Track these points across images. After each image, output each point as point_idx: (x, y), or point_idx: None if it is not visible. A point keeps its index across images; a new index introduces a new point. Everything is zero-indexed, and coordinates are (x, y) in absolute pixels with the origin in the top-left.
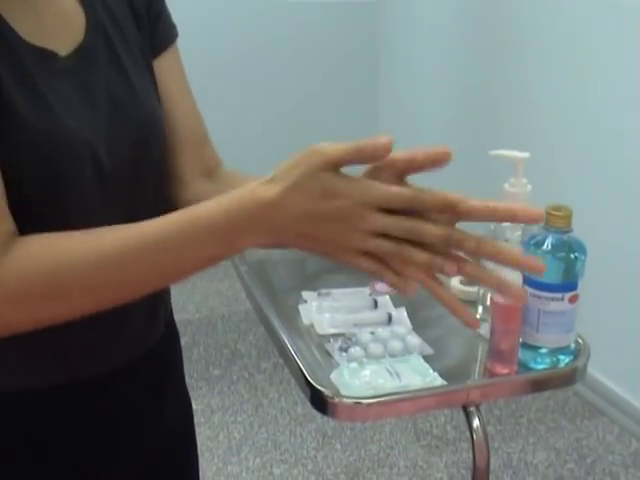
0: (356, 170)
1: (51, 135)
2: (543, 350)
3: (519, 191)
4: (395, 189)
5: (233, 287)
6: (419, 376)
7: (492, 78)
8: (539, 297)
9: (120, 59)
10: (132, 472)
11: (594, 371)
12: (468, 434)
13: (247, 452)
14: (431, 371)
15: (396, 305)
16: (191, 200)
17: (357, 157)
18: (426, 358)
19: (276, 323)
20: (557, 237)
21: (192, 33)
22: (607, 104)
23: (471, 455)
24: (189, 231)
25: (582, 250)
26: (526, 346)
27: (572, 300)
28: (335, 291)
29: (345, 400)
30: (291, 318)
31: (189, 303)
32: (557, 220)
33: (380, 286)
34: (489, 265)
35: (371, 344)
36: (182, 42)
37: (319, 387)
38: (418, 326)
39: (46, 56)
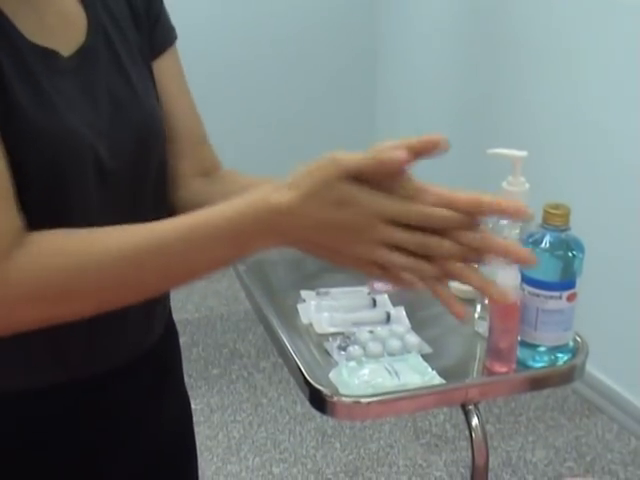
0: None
1: (56, 137)
2: (541, 348)
3: (517, 190)
4: (407, 205)
5: (232, 287)
6: (418, 375)
7: (490, 77)
8: (537, 295)
9: (121, 60)
10: (131, 472)
11: (593, 369)
12: (467, 432)
13: (246, 451)
14: (430, 370)
15: (395, 304)
16: (191, 200)
17: (374, 169)
18: (425, 357)
19: (275, 322)
20: (555, 235)
21: (192, 33)
22: (605, 103)
23: (470, 454)
24: (200, 234)
25: (580, 248)
26: (524, 344)
27: (570, 298)
28: (334, 290)
29: (344, 399)
30: (290, 317)
31: (188, 303)
32: (555, 218)
33: (379, 285)
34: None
35: (370, 343)
36: (181, 45)
37: (318, 386)
38: (417, 325)
39: (49, 56)
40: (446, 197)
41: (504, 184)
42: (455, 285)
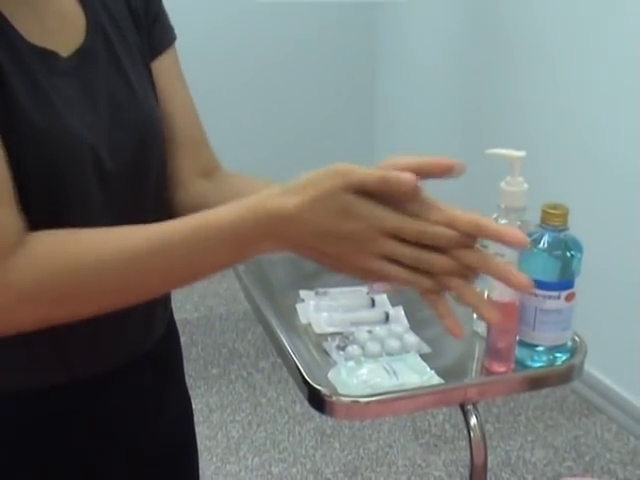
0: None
1: (55, 137)
2: (540, 348)
3: (515, 190)
4: (408, 221)
5: (231, 287)
6: (416, 374)
7: (488, 78)
8: (536, 295)
9: (120, 60)
10: (132, 471)
11: (592, 369)
12: (466, 432)
13: (246, 451)
14: (428, 369)
15: (393, 304)
16: (190, 201)
17: (380, 187)
18: (423, 356)
19: (274, 322)
20: (553, 235)
21: (192, 33)
22: (604, 103)
23: (469, 453)
24: (201, 237)
25: (578, 248)
26: (523, 344)
27: (569, 298)
28: (332, 290)
29: (343, 399)
30: (289, 317)
31: (187, 303)
32: (553, 218)
33: (377, 285)
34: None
35: (368, 343)
36: (180, 45)
37: (317, 386)
38: (415, 325)
39: (48, 56)
40: (448, 216)
41: (502, 184)
42: None
